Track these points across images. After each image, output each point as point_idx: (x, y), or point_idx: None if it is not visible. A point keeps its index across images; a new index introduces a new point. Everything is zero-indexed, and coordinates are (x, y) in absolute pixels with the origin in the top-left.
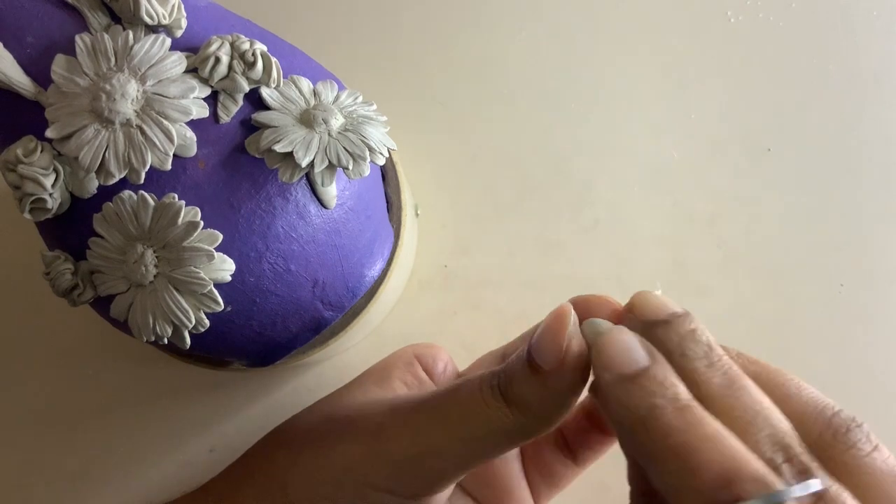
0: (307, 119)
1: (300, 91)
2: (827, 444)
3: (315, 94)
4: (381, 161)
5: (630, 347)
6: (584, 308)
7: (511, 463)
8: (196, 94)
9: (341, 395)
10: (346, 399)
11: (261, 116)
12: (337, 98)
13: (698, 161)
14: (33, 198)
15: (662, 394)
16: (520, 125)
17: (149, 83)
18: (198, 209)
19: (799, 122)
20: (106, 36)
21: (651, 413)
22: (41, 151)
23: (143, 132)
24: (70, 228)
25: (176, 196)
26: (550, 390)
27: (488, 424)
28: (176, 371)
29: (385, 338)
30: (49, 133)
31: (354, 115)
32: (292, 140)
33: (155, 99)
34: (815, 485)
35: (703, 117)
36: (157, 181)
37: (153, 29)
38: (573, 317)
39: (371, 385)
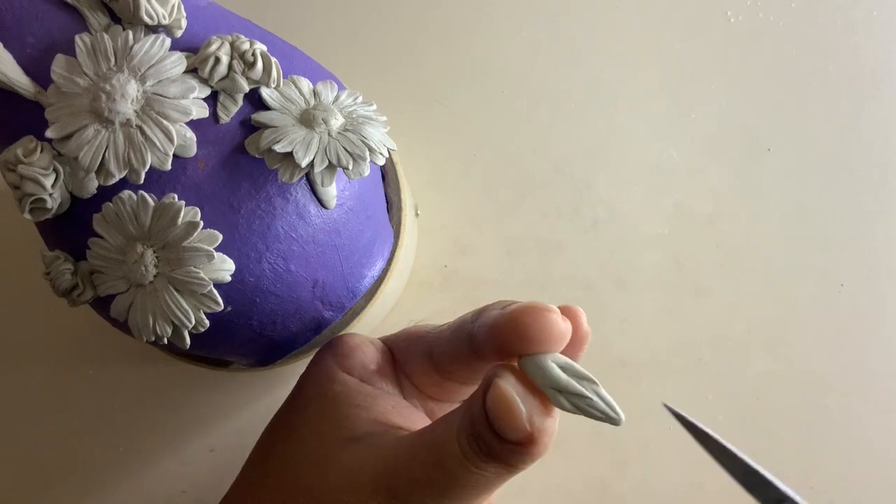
0: (307, 119)
1: (300, 91)
2: None
3: (315, 94)
4: (381, 161)
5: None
6: (523, 334)
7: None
8: (196, 94)
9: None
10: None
11: (261, 116)
12: (337, 98)
13: (698, 161)
14: (33, 198)
15: None
16: (520, 125)
17: (149, 83)
18: (197, 209)
19: (799, 122)
20: (106, 36)
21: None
22: (41, 151)
23: (142, 132)
24: (70, 228)
25: (176, 196)
26: (536, 454)
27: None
28: (176, 371)
29: None
30: (49, 133)
31: (354, 116)
32: (292, 140)
33: (155, 99)
34: None
35: (703, 117)
36: (157, 181)
37: (153, 29)
38: (517, 401)
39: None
